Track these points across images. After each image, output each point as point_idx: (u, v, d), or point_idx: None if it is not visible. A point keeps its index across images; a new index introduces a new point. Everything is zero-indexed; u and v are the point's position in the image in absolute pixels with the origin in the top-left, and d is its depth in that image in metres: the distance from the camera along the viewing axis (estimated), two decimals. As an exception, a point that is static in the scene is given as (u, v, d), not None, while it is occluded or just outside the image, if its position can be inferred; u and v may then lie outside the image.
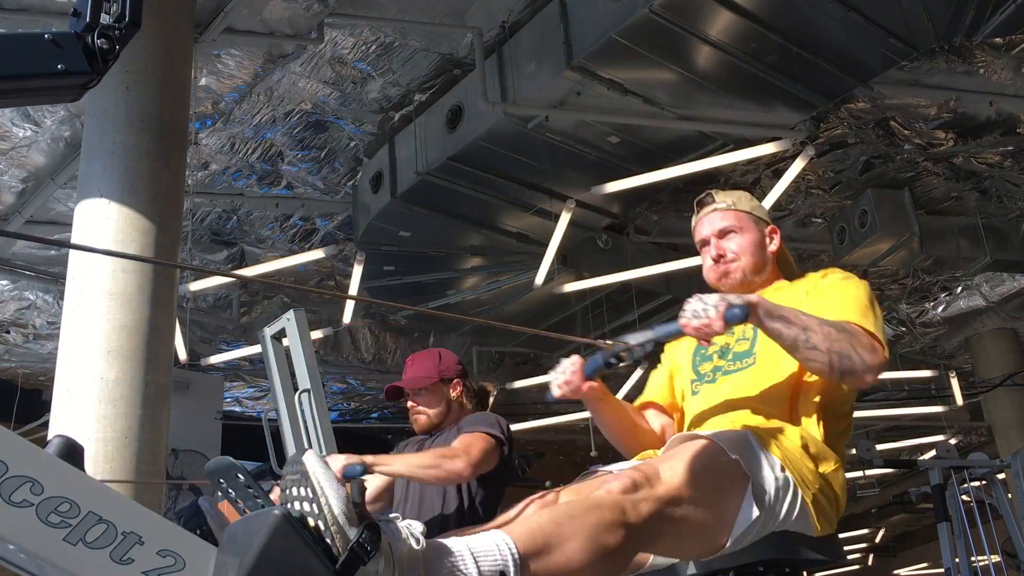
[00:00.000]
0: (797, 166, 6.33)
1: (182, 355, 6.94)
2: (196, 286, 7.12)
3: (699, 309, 1.67)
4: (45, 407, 6.04)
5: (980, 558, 4.85)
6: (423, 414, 3.02)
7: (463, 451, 2.67)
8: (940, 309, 9.50)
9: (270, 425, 2.89)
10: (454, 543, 1.29)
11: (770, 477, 1.71)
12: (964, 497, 4.88)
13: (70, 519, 1.01)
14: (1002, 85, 6.09)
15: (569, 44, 5.13)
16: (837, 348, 1.73)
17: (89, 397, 3.68)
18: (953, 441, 11.19)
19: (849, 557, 19.02)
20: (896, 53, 5.24)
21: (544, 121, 5.64)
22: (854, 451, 5.37)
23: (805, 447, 1.83)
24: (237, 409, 10.56)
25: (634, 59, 5.10)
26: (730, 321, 1.66)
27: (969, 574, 4.68)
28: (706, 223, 2.14)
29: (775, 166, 6.81)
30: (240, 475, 1.12)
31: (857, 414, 10.63)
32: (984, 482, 4.96)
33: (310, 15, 5.32)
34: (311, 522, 1.12)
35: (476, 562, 1.28)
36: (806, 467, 1.79)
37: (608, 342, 1.84)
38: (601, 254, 7.50)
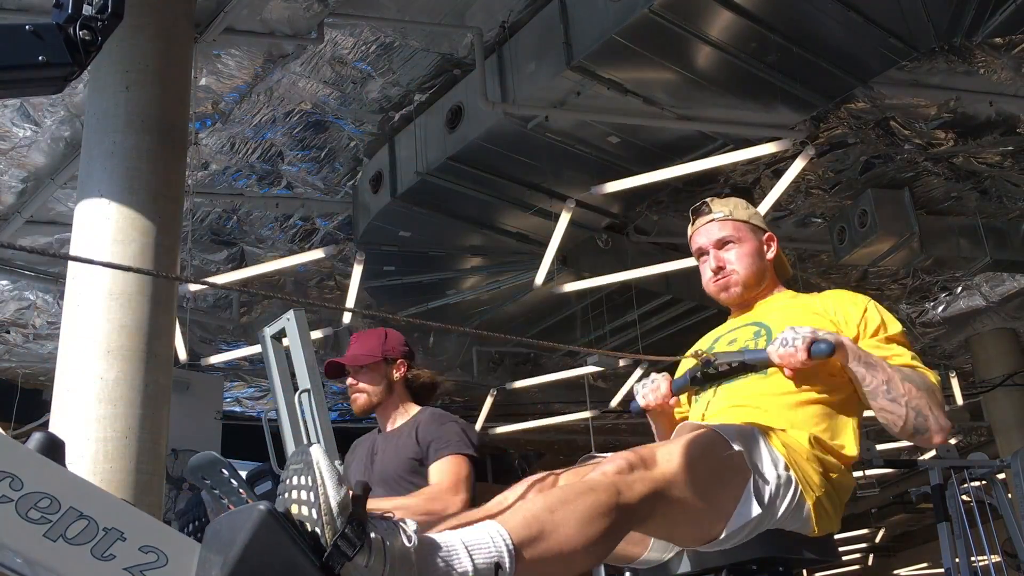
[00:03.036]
0: (797, 166, 6.33)
1: (182, 355, 6.94)
2: (196, 286, 7.12)
3: (788, 338, 1.73)
4: (45, 407, 6.04)
5: (980, 558, 4.85)
6: (363, 393, 2.90)
7: (451, 489, 2.60)
8: (940, 309, 9.50)
9: (270, 425, 2.88)
10: (447, 537, 1.28)
11: (772, 473, 1.70)
12: (964, 497, 4.88)
13: (50, 515, 0.99)
14: (1002, 85, 6.09)
15: (569, 44, 5.13)
16: (915, 406, 1.75)
17: (89, 397, 3.68)
18: (953, 441, 11.18)
19: (849, 557, 19.03)
20: (896, 53, 5.23)
21: (544, 121, 5.64)
22: (854, 451, 5.36)
23: (812, 448, 1.82)
24: (237, 409, 10.57)
25: (634, 59, 5.10)
26: (815, 355, 1.70)
27: (969, 574, 4.68)
28: (703, 233, 2.12)
29: (775, 166, 6.81)
30: (224, 470, 1.11)
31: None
32: (984, 482, 4.96)
33: (310, 15, 5.32)
34: (299, 511, 1.11)
35: (471, 555, 1.26)
36: (812, 468, 1.78)
37: (700, 354, 1.94)
38: (601, 254, 7.50)
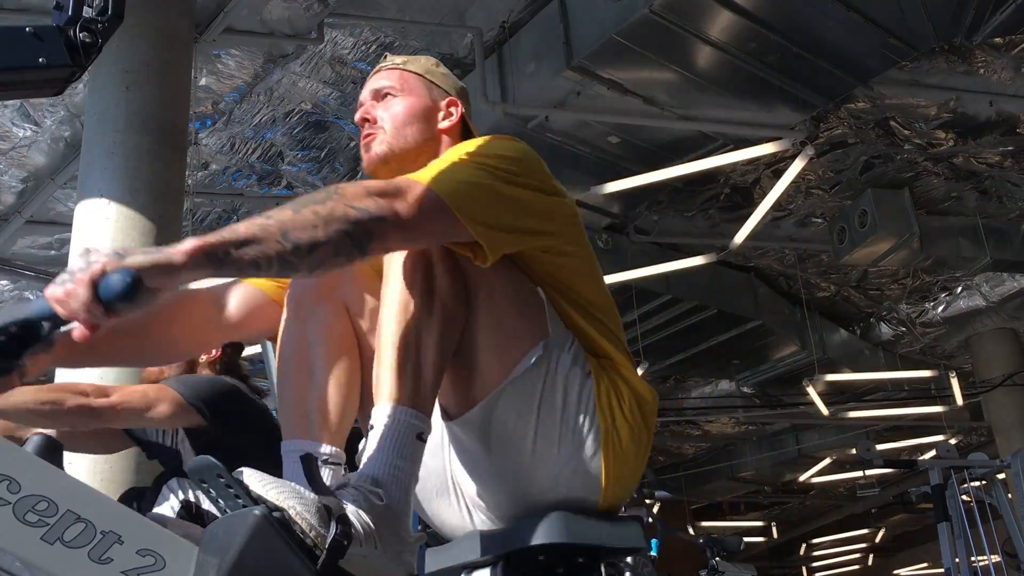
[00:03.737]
0: (797, 166, 6.33)
1: (182, 355, 6.93)
2: (196, 286, 7.11)
3: (73, 269, 1.07)
4: (45, 407, 6.04)
5: (980, 558, 4.85)
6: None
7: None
8: (940, 309, 9.50)
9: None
10: (373, 465, 1.26)
11: (567, 358, 1.41)
12: (964, 497, 4.88)
13: (48, 518, 0.99)
14: (1002, 85, 6.09)
15: (569, 44, 5.13)
16: (337, 223, 1.18)
17: (89, 397, 3.67)
18: (953, 441, 11.20)
19: (849, 557, 19.04)
20: (896, 53, 5.24)
21: (544, 121, 5.64)
22: (854, 451, 5.37)
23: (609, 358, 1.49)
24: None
25: (634, 59, 5.10)
26: (108, 297, 1.04)
27: (969, 574, 4.68)
28: (366, 84, 1.70)
29: (775, 166, 6.81)
30: (220, 475, 1.11)
31: (857, 414, 10.68)
32: (984, 482, 4.96)
33: (310, 15, 5.32)
34: (293, 515, 1.11)
35: (401, 455, 1.26)
36: (620, 388, 1.45)
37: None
38: (601, 254, 7.50)
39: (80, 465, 3.57)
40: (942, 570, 4.80)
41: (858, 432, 11.56)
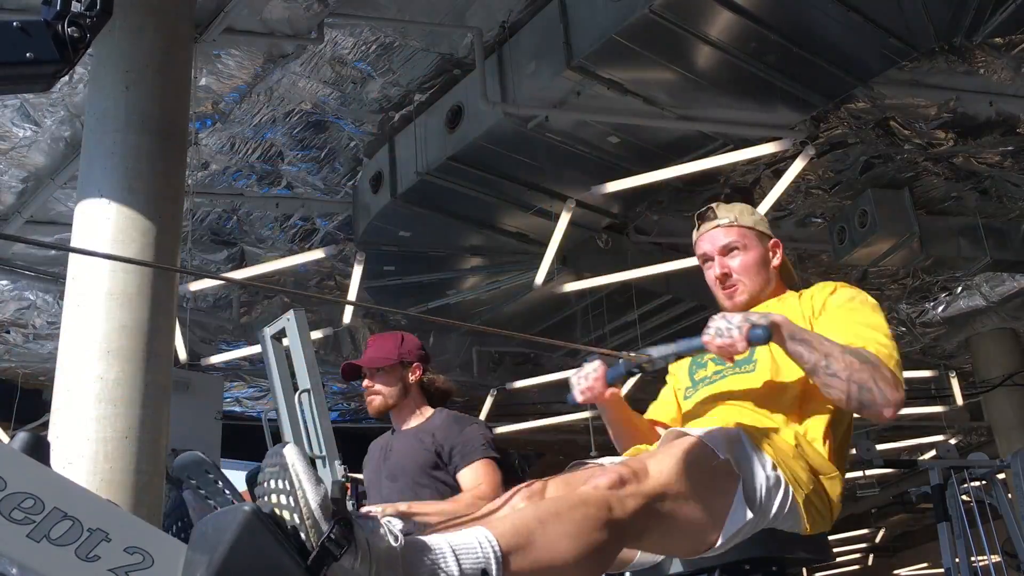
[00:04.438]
0: (797, 166, 6.33)
1: (182, 355, 6.94)
2: (196, 286, 7.12)
3: (723, 328, 1.68)
4: (45, 407, 6.03)
5: (980, 558, 4.85)
6: (378, 395, 2.96)
7: (490, 495, 2.61)
8: (940, 309, 9.50)
9: (270, 425, 2.88)
10: (434, 540, 1.27)
11: (761, 476, 1.71)
12: (964, 497, 4.88)
13: (34, 515, 0.99)
14: (1002, 85, 6.09)
15: (569, 44, 5.13)
16: (857, 379, 1.71)
17: (89, 397, 3.68)
18: (953, 441, 11.19)
19: (849, 557, 19.02)
20: (896, 53, 5.23)
21: (544, 121, 5.63)
22: (854, 451, 5.36)
23: (799, 446, 1.82)
24: (237, 409, 10.56)
25: (634, 59, 5.10)
26: (753, 342, 1.67)
27: (969, 574, 4.68)
28: (707, 240, 2.12)
29: (775, 166, 6.81)
30: (209, 471, 1.11)
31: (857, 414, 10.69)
32: (984, 482, 4.96)
33: (310, 15, 5.32)
34: (285, 515, 1.10)
35: (458, 559, 1.25)
36: (799, 466, 1.78)
37: (632, 353, 1.87)
38: (601, 254, 7.49)
39: (80, 466, 3.57)
40: (942, 570, 4.80)
41: (858, 432, 11.55)
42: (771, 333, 1.67)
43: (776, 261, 2.13)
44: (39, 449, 1.09)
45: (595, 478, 1.52)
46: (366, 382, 2.98)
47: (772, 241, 2.14)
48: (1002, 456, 7.71)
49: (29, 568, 0.98)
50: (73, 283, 3.93)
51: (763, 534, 1.72)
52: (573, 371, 2.04)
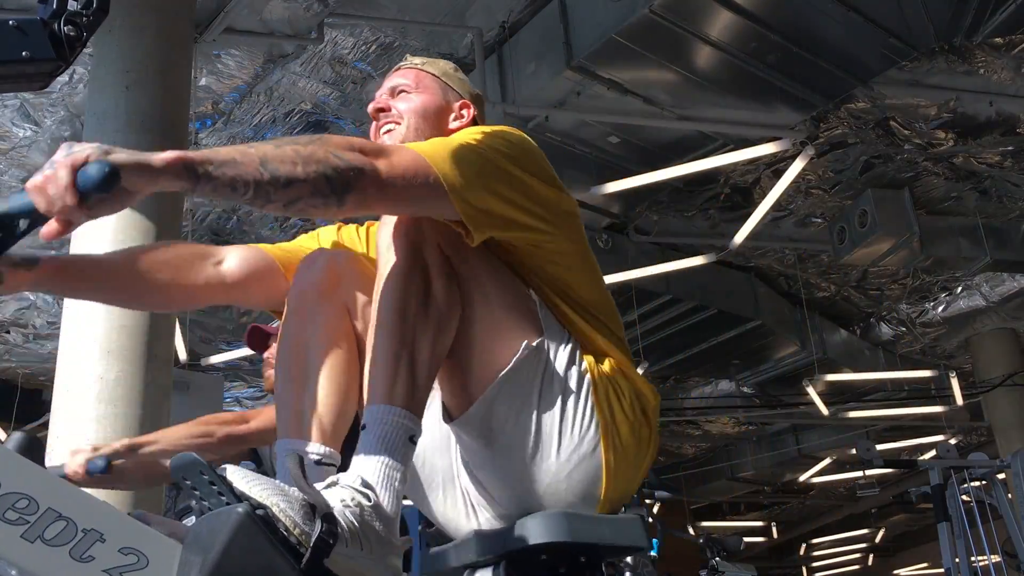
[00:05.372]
0: (797, 166, 6.33)
1: (182, 355, 6.94)
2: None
3: (55, 159, 1.07)
4: (45, 407, 6.04)
5: (980, 558, 4.85)
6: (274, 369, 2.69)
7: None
8: (940, 309, 9.50)
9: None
10: (367, 465, 1.25)
11: (563, 356, 1.41)
12: (964, 497, 4.88)
13: (28, 516, 0.98)
14: (1002, 85, 6.09)
15: (569, 44, 5.13)
16: (315, 165, 1.18)
17: (89, 397, 3.68)
18: (953, 441, 11.19)
19: (849, 557, 19.04)
20: (896, 53, 5.24)
21: (544, 121, 5.64)
22: (854, 451, 5.36)
23: (613, 363, 1.48)
24: (237, 409, 10.57)
25: (634, 59, 5.10)
26: (82, 182, 1.03)
27: (969, 574, 4.68)
28: (384, 82, 1.73)
29: (775, 166, 6.81)
30: (204, 472, 1.10)
31: (857, 414, 10.68)
32: (984, 482, 4.96)
33: (310, 15, 5.32)
34: (277, 512, 1.10)
35: (392, 456, 1.25)
36: (612, 389, 1.44)
37: None
38: (601, 254, 7.50)
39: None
40: (942, 570, 4.80)
41: (858, 432, 11.56)
42: (113, 173, 1.03)
43: (456, 124, 1.71)
44: (33, 449, 1.09)
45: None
46: (266, 354, 2.65)
47: (462, 101, 1.75)
48: (1002, 456, 7.71)
49: (23, 569, 0.98)
50: (73, 283, 3.92)
51: (557, 515, 1.38)
52: None
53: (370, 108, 1.68)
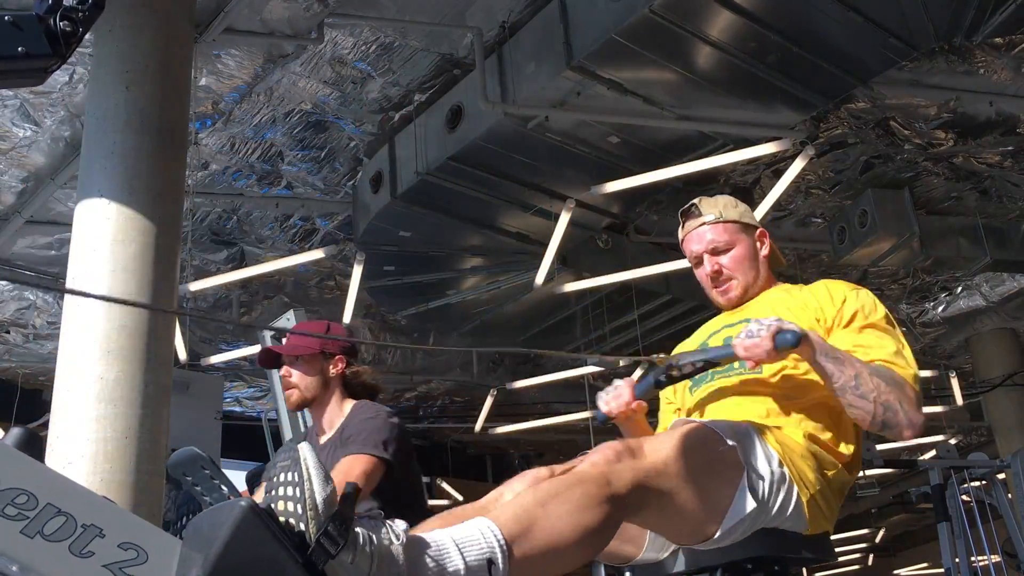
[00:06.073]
0: (797, 166, 6.33)
1: (182, 355, 6.93)
2: (196, 286, 7.12)
3: (753, 330, 1.67)
4: (45, 407, 6.03)
5: (980, 558, 4.85)
6: (295, 388, 2.64)
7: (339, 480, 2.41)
8: (940, 309, 9.50)
9: (270, 425, 2.87)
10: (436, 535, 1.26)
11: (766, 469, 1.69)
12: (964, 497, 4.88)
13: (28, 511, 0.98)
14: (1002, 85, 6.09)
15: (569, 44, 5.13)
16: (884, 400, 1.71)
17: (89, 397, 3.68)
18: (953, 441, 11.19)
19: (849, 557, 19.02)
20: (896, 53, 5.23)
21: (544, 121, 5.63)
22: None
23: (807, 444, 1.81)
24: (237, 409, 10.56)
25: (634, 59, 5.09)
26: (780, 346, 1.64)
27: (969, 574, 4.68)
28: (695, 238, 2.11)
29: (775, 166, 6.81)
30: (205, 467, 1.10)
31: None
32: (984, 482, 4.96)
33: (310, 15, 5.32)
34: (284, 507, 1.10)
35: (461, 552, 1.24)
36: (806, 465, 1.77)
37: (661, 355, 1.86)
38: (601, 254, 7.49)
39: (80, 466, 3.57)
40: (942, 570, 4.80)
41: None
42: (800, 338, 1.65)
43: (764, 251, 2.12)
44: (33, 445, 1.09)
45: (591, 456, 1.52)
46: (283, 371, 2.69)
47: (758, 231, 2.13)
48: (1002, 456, 7.71)
49: (23, 564, 0.97)
50: (73, 283, 3.93)
51: (764, 533, 1.70)
52: (603, 391, 1.99)
53: (707, 272, 2.08)
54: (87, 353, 3.74)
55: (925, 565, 17.45)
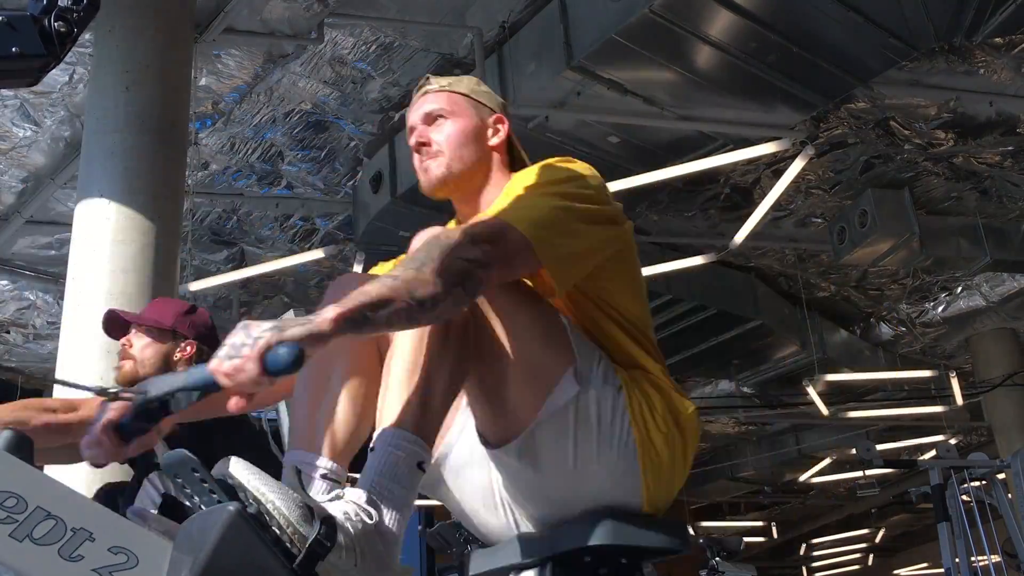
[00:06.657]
0: (797, 166, 6.33)
1: (182, 355, 6.93)
2: (196, 286, 7.12)
3: (237, 344, 1.12)
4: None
5: (980, 558, 4.85)
6: (129, 360, 2.40)
7: None
8: (940, 309, 9.50)
9: (270, 425, 2.87)
10: (373, 480, 1.26)
11: (597, 377, 1.45)
12: (964, 497, 4.88)
13: (16, 514, 0.97)
14: (1002, 85, 6.09)
15: (569, 44, 5.13)
16: (453, 277, 1.26)
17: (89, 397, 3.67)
18: (953, 441, 11.20)
19: (849, 557, 19.04)
20: (896, 53, 5.23)
21: (544, 121, 5.63)
22: (854, 451, 5.36)
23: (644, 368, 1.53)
24: (237, 409, 10.56)
25: (634, 59, 5.10)
26: (273, 369, 1.10)
27: (969, 574, 4.68)
28: (414, 109, 1.74)
29: (775, 166, 6.81)
30: (195, 470, 1.09)
31: (857, 414, 10.67)
32: (984, 482, 4.96)
33: (310, 15, 5.32)
34: (272, 511, 1.09)
35: (397, 480, 1.26)
36: (649, 399, 1.49)
37: (112, 389, 1.32)
38: (601, 254, 7.49)
39: (79, 467, 3.56)
40: (942, 570, 4.80)
41: (858, 432, 11.56)
42: (301, 354, 1.10)
43: (496, 139, 1.74)
44: (22, 447, 1.08)
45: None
46: (123, 340, 2.44)
47: (495, 116, 1.77)
48: (1002, 456, 7.71)
49: (12, 568, 0.97)
50: (73, 283, 3.93)
51: (602, 518, 1.44)
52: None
53: (412, 142, 1.71)
54: (87, 353, 3.74)
55: (925, 565, 17.46)
